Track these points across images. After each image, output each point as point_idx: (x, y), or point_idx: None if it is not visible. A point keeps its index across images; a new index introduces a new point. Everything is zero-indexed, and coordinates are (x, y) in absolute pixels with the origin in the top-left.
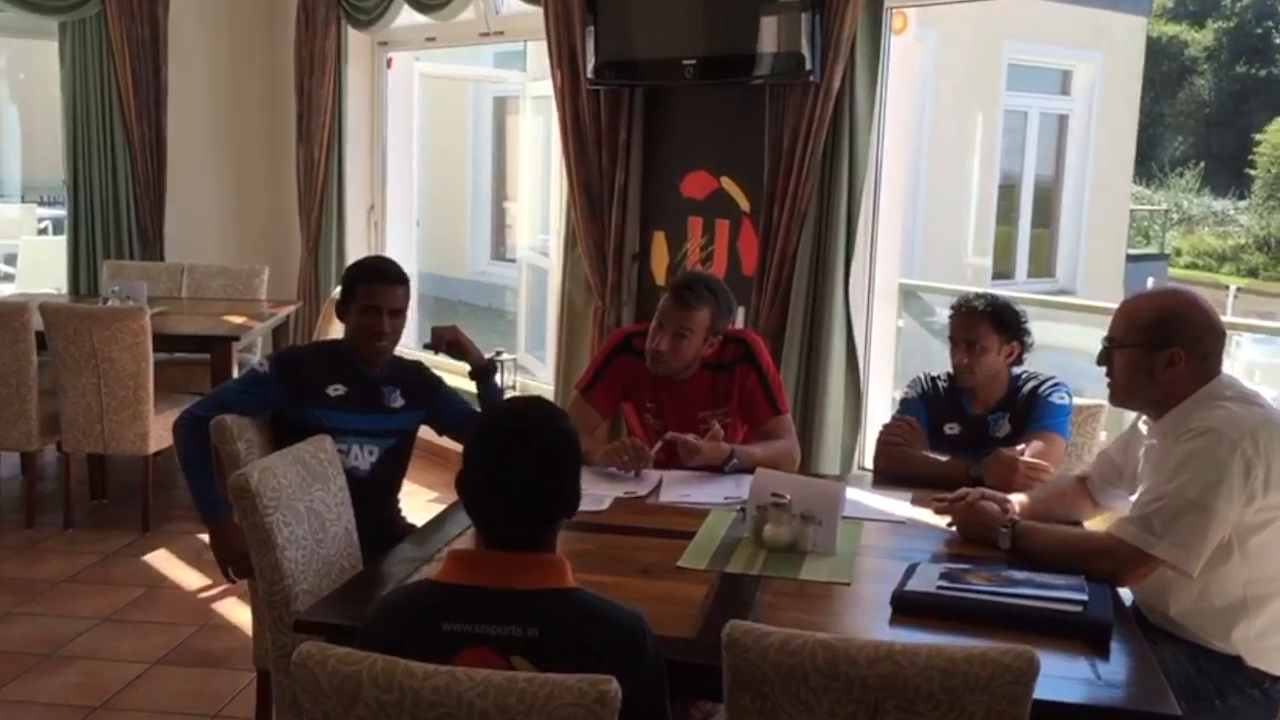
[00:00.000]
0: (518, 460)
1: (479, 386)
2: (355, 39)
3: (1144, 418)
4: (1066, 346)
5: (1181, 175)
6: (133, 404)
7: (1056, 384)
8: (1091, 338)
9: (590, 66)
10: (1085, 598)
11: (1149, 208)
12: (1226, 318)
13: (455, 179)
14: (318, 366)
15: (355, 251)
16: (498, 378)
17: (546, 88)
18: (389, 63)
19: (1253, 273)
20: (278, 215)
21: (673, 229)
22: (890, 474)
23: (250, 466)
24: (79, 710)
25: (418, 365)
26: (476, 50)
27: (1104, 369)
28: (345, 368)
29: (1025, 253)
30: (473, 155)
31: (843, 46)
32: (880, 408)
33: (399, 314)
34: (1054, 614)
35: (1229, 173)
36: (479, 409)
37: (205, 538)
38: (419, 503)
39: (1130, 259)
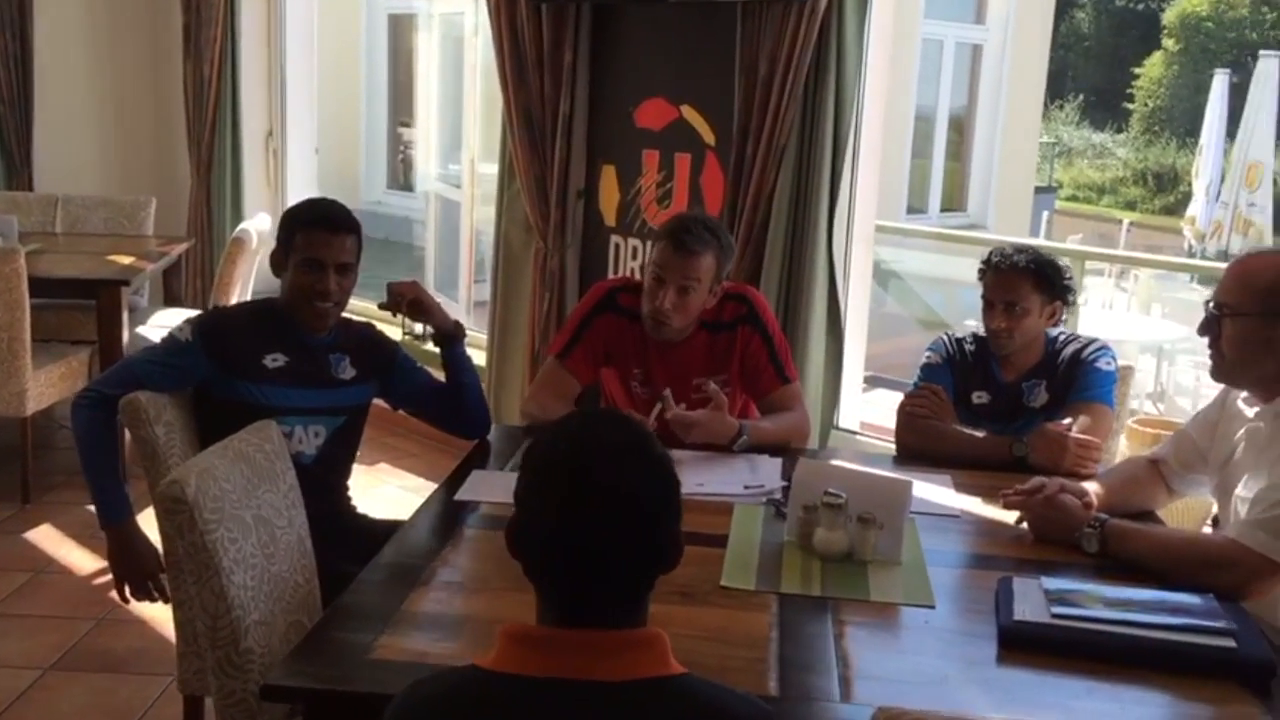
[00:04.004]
0: (601, 509)
1: (445, 354)
2: None
3: (1243, 395)
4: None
5: (1062, 108)
6: (7, 359)
7: (1102, 348)
8: None
9: None
10: (1234, 627)
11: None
12: (1121, 252)
13: (348, 102)
14: (251, 332)
15: (252, 182)
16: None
17: (451, 4)
18: None
19: (1131, 205)
20: (163, 140)
21: (625, 163)
22: (917, 451)
23: (184, 471)
24: None
25: (368, 328)
26: None
27: (1206, 339)
28: (284, 333)
29: (939, 186)
30: (366, 77)
31: None
32: (855, 366)
33: (348, 270)
34: (1204, 651)
35: (1107, 106)
36: (443, 379)
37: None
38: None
39: None
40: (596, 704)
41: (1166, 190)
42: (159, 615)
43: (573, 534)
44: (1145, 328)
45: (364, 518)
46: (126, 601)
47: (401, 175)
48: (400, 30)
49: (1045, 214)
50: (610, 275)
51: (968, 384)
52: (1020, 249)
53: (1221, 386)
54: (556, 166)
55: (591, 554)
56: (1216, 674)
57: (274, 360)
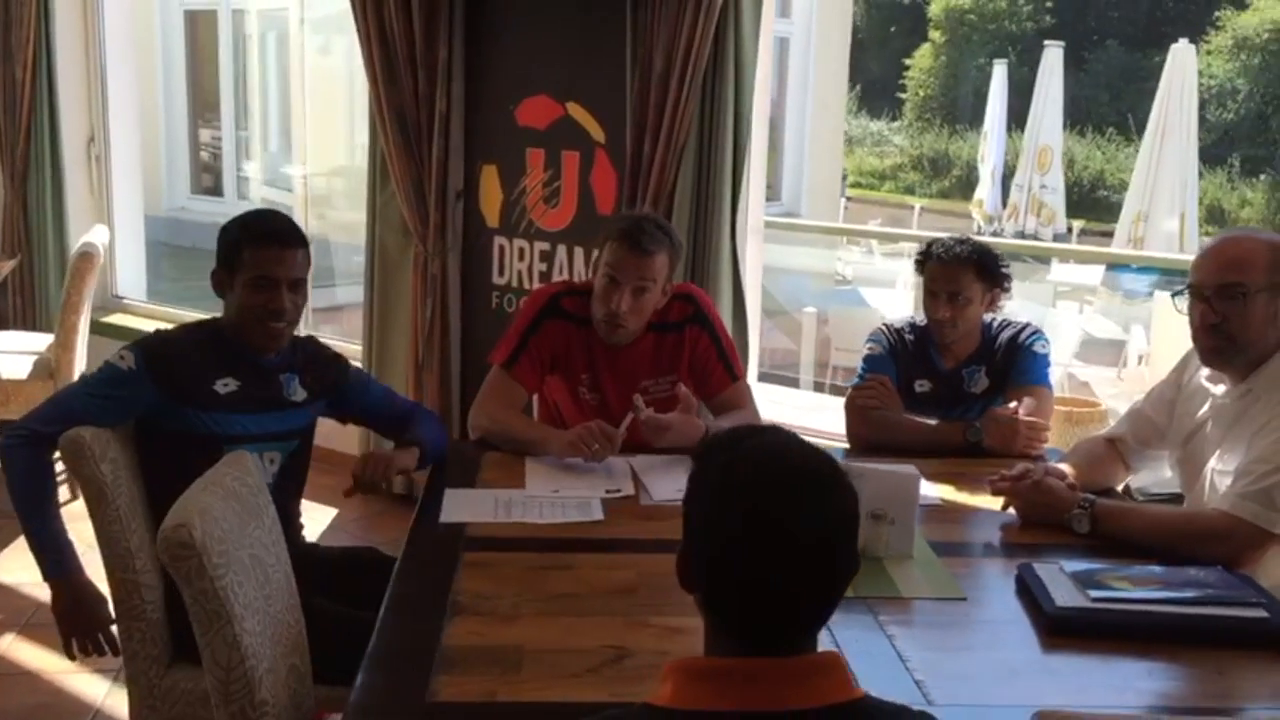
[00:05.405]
0: (788, 546)
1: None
2: None
3: (1206, 372)
4: (801, 269)
5: None
6: None
7: (1035, 332)
8: (818, 258)
9: None
10: (1262, 598)
11: None
12: (913, 231)
13: (144, 103)
14: (198, 356)
15: (75, 192)
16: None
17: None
18: None
19: (910, 190)
20: None
21: (507, 162)
22: (871, 443)
23: (184, 512)
24: None
25: (313, 342)
26: None
27: (1208, 325)
28: (233, 356)
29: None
30: (163, 76)
31: None
32: (752, 362)
33: (300, 285)
34: (1241, 624)
35: (882, 95)
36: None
37: None
38: None
39: None
40: None
41: (942, 175)
42: (49, 666)
43: (758, 571)
44: None
45: (318, 546)
46: (74, 658)
47: (203, 178)
48: (198, 27)
49: (843, 201)
50: (495, 277)
51: (910, 373)
52: (960, 240)
53: (1171, 365)
54: (434, 167)
55: (779, 589)
56: (1254, 645)
57: (225, 385)
